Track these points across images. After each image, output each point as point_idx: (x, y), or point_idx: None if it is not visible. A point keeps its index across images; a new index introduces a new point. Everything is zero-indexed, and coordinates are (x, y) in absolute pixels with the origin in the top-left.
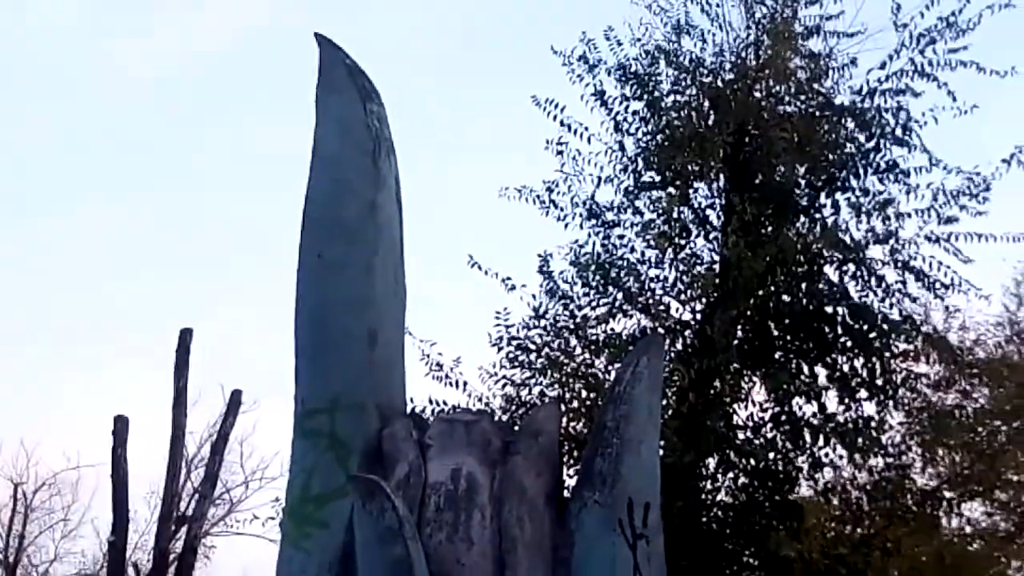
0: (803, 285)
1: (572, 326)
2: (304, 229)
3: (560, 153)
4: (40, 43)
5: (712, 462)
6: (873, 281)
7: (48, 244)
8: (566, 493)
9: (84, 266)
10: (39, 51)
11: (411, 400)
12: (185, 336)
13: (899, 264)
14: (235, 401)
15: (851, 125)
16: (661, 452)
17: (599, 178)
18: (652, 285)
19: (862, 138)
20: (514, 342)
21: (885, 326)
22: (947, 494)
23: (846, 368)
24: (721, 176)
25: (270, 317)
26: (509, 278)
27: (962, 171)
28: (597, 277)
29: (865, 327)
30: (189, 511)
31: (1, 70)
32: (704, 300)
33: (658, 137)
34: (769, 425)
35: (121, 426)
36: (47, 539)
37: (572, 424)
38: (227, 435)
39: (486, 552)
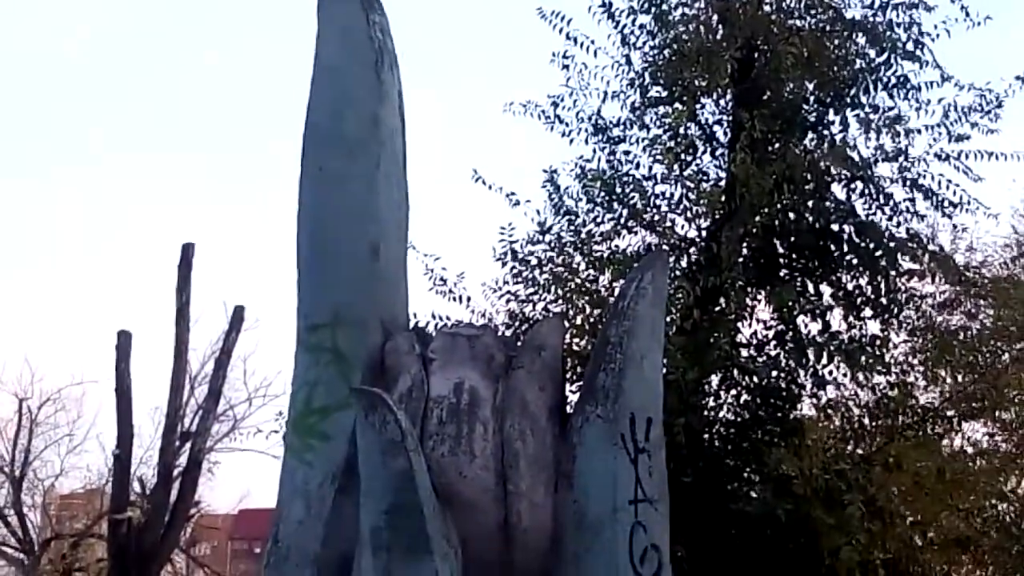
0: (810, 202)
1: (577, 242)
2: (305, 141)
3: (566, 67)
4: None
5: (715, 379)
6: (881, 199)
7: (50, 162)
8: (569, 408)
9: (85, 182)
10: None
11: (414, 315)
12: (187, 251)
13: (907, 182)
14: (238, 317)
15: (862, 40)
16: (664, 369)
17: (605, 93)
18: (658, 202)
19: (872, 53)
20: (518, 257)
21: (891, 244)
22: (949, 413)
23: (851, 286)
24: (729, 92)
25: (272, 233)
26: (514, 193)
27: (974, 87)
28: (602, 193)
29: (871, 245)
30: (193, 427)
31: None
32: (710, 217)
33: (665, 52)
34: (773, 343)
35: (124, 341)
36: (52, 454)
37: (575, 340)
38: (230, 351)
39: (488, 465)
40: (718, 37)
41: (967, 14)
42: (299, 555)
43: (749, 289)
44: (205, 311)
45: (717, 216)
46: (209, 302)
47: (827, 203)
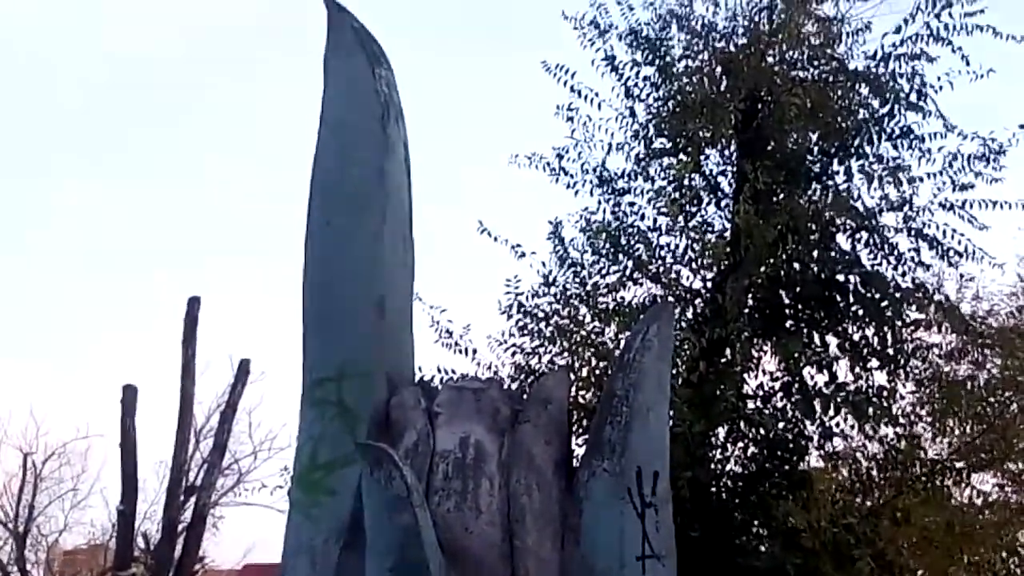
0: (815, 253)
1: (582, 294)
2: (311, 196)
3: (571, 119)
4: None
5: (722, 432)
6: (886, 249)
7: (58, 215)
8: (575, 462)
9: (94, 236)
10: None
11: (419, 368)
12: (193, 305)
13: (912, 231)
14: (243, 371)
15: (865, 90)
16: (671, 421)
17: (610, 144)
18: (663, 253)
19: (876, 103)
20: (523, 310)
21: (897, 294)
22: (957, 464)
23: (857, 337)
24: (733, 143)
25: (278, 287)
26: (519, 245)
27: (977, 136)
28: (607, 245)
29: (877, 295)
30: (198, 481)
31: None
32: (715, 268)
33: (669, 103)
34: (780, 394)
35: (130, 395)
36: (56, 509)
37: (581, 393)
38: (235, 405)
39: (494, 520)
40: (722, 89)
41: (968, 63)
42: None
43: (755, 340)
44: (211, 364)
45: (722, 267)
46: (215, 355)
47: (832, 253)
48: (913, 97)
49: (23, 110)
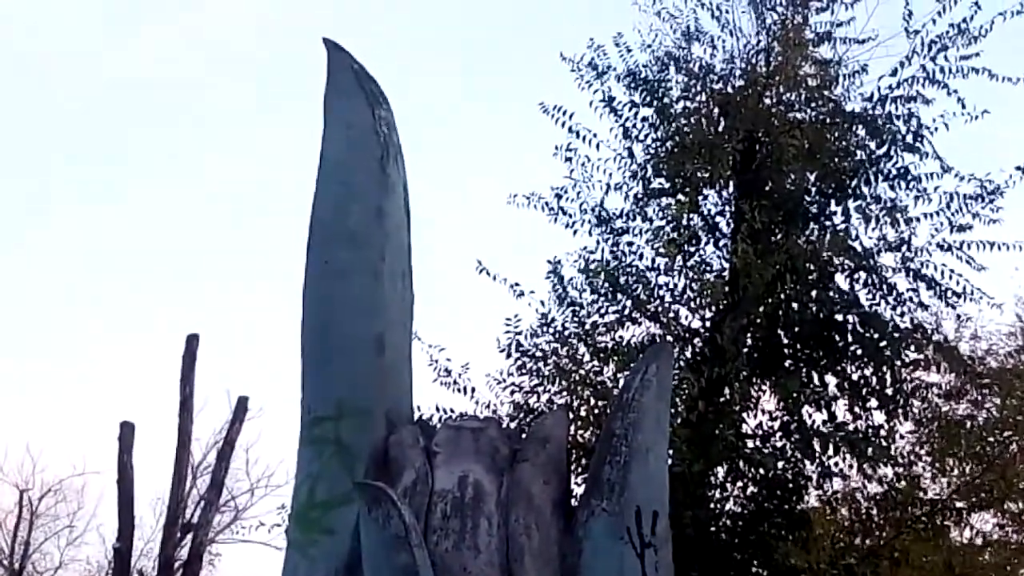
0: (813, 293)
1: (581, 333)
2: (311, 234)
3: (569, 160)
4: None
5: (721, 471)
6: (884, 289)
7: (53, 248)
8: (574, 501)
9: (90, 270)
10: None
11: (418, 407)
12: (191, 342)
13: (910, 272)
14: (241, 407)
15: (862, 132)
16: (670, 461)
17: (608, 185)
18: (661, 292)
19: (873, 145)
20: (522, 349)
21: (896, 335)
22: (957, 504)
23: (856, 377)
24: (731, 183)
25: (276, 324)
26: (518, 284)
27: (975, 178)
28: (606, 284)
29: (875, 335)
30: (195, 518)
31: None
32: (713, 308)
33: (667, 144)
34: (778, 434)
35: (127, 432)
36: (52, 546)
37: (580, 432)
38: (233, 442)
39: (493, 560)
40: (720, 129)
41: (963, 106)
42: None
43: (754, 380)
44: (209, 401)
45: (720, 307)
46: (213, 392)
47: (830, 293)
48: (910, 138)
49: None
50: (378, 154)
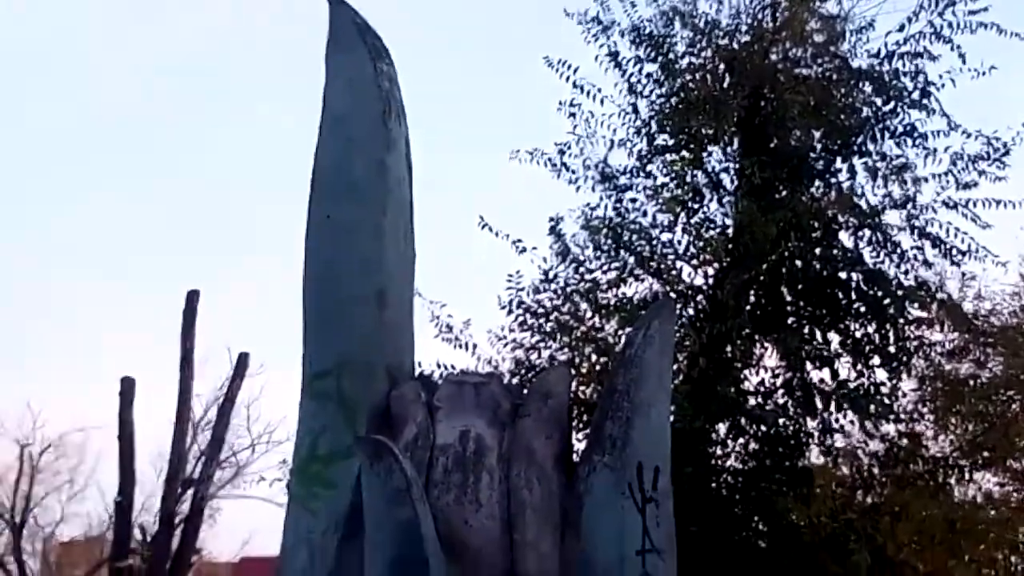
0: (817, 250)
1: (583, 290)
2: (312, 189)
3: (573, 115)
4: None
5: (723, 427)
6: (888, 247)
7: (55, 208)
8: (575, 457)
9: (92, 228)
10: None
11: (419, 363)
12: (192, 298)
13: (915, 230)
14: (242, 364)
15: (868, 88)
16: (671, 417)
17: (612, 141)
18: (664, 249)
19: (879, 101)
20: (524, 305)
21: (899, 292)
22: (960, 462)
23: (859, 334)
24: (735, 140)
25: (277, 280)
26: (520, 240)
27: (981, 135)
28: (608, 241)
29: (879, 293)
30: (195, 474)
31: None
32: (716, 265)
33: (672, 100)
34: (780, 391)
35: (128, 387)
36: (53, 500)
37: (582, 388)
38: (234, 398)
39: (494, 514)
40: (725, 86)
41: (964, 61)
42: None
43: (756, 337)
44: (209, 357)
45: (723, 263)
46: (213, 348)
47: (834, 251)
48: (916, 95)
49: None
50: (380, 108)
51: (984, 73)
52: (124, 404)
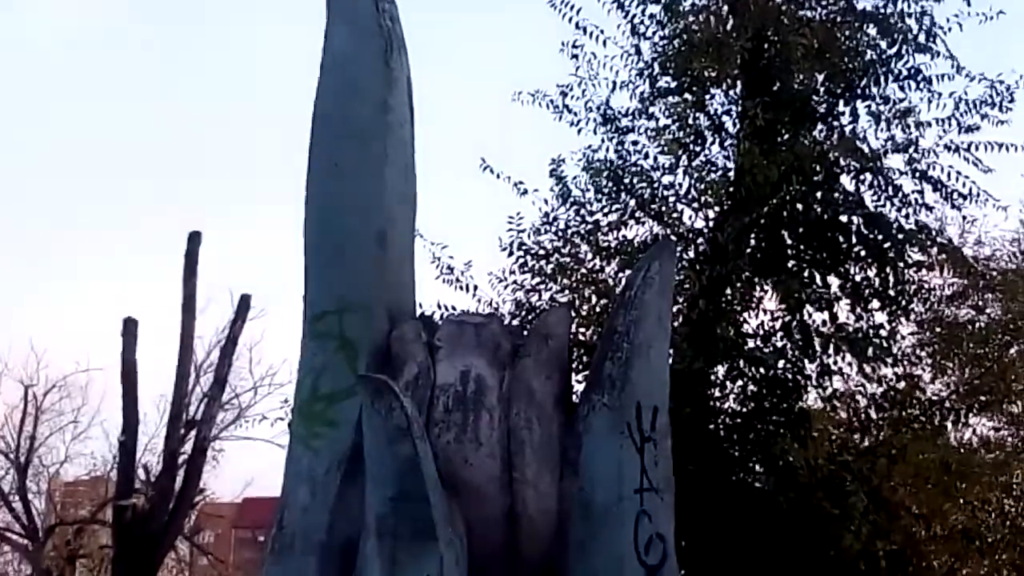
0: (818, 193)
1: (583, 232)
2: (314, 130)
3: (575, 57)
4: None
5: (721, 369)
6: (890, 190)
7: (57, 147)
8: (575, 398)
9: (94, 170)
10: None
11: (420, 304)
12: (194, 239)
13: (917, 173)
14: (244, 306)
15: (873, 31)
16: (671, 359)
17: (614, 83)
18: (665, 192)
19: (883, 44)
20: (525, 247)
21: (900, 236)
22: (956, 406)
23: (859, 278)
24: (738, 82)
25: (279, 222)
26: (521, 182)
27: (985, 79)
28: (610, 183)
29: (879, 237)
30: (198, 415)
31: None
32: (717, 207)
33: (675, 42)
34: (779, 334)
35: (130, 328)
36: (57, 441)
37: (582, 330)
38: (236, 339)
39: (494, 452)
40: (728, 27)
41: (969, 3)
42: (303, 542)
43: (756, 279)
44: (211, 299)
45: (724, 206)
46: (215, 290)
47: (836, 194)
48: (922, 38)
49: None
50: (382, 47)
51: (992, 18)
52: (127, 345)
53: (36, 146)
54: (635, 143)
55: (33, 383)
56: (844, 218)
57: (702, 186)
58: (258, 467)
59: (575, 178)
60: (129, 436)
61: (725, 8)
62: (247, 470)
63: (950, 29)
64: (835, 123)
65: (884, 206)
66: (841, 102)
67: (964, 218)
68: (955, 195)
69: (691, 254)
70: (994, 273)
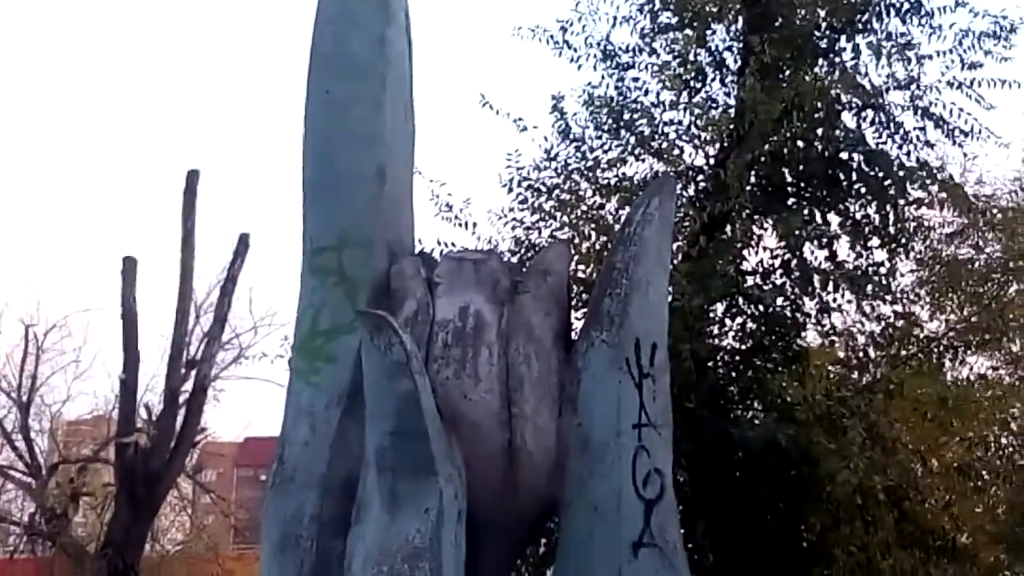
0: (819, 130)
1: (583, 169)
2: (311, 65)
3: None
4: None
5: (720, 307)
6: (891, 127)
7: (55, 86)
8: (574, 334)
9: (91, 105)
10: None
11: (419, 241)
12: (192, 178)
13: (918, 110)
14: (243, 244)
15: None
16: (670, 295)
17: (615, 18)
18: (666, 129)
19: None
20: (524, 183)
21: (900, 173)
22: (954, 343)
23: (859, 215)
24: (740, 18)
25: (277, 160)
26: (521, 119)
27: (988, 14)
28: (610, 120)
29: (880, 174)
30: (198, 355)
31: None
32: (718, 144)
33: None
34: (779, 271)
35: (129, 267)
36: (59, 380)
37: (581, 267)
38: (235, 277)
39: (493, 388)
40: None
41: None
42: (304, 476)
43: (756, 217)
44: (211, 238)
45: (725, 143)
46: (215, 229)
47: (837, 131)
48: None
49: None
50: None
51: None
52: (126, 284)
53: (34, 83)
54: (636, 79)
55: (34, 323)
56: (845, 155)
57: (703, 123)
58: (258, 408)
59: (575, 115)
60: (130, 375)
61: None
62: (247, 411)
63: None
64: (836, 59)
65: (885, 143)
66: (843, 37)
67: (965, 156)
68: (957, 132)
69: (691, 191)
70: (994, 211)
